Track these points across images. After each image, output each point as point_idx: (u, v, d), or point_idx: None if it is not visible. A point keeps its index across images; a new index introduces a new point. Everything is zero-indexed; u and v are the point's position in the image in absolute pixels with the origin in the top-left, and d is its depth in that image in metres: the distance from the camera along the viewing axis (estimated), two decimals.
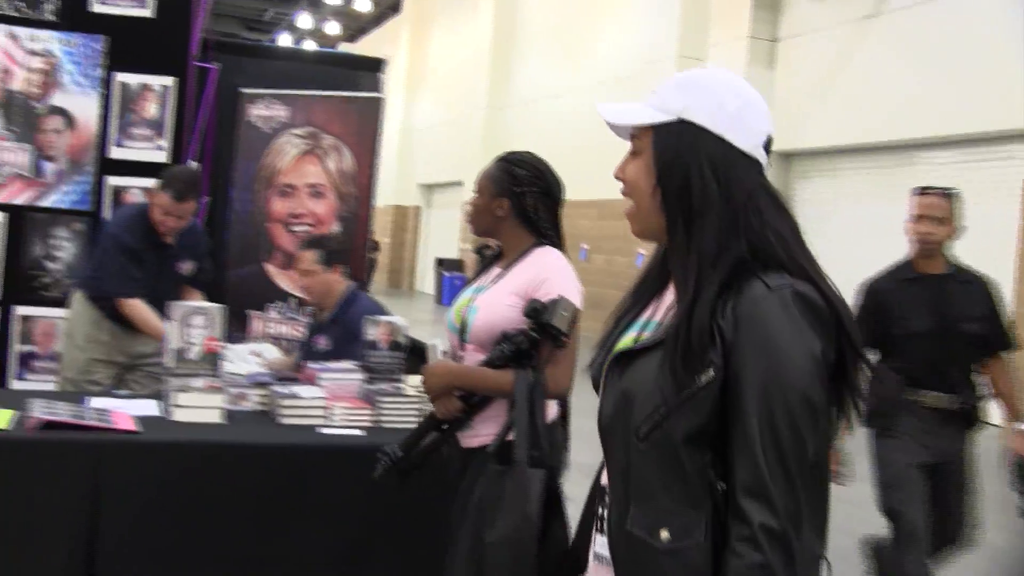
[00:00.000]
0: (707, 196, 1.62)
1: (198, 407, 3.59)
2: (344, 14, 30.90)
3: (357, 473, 3.24)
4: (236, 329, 5.89)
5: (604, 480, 1.75)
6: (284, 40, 32.28)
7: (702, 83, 1.69)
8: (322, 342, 4.47)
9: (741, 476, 1.53)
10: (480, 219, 3.18)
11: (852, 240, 13.20)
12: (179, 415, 3.59)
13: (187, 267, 5.12)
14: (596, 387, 1.76)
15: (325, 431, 3.66)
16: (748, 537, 1.51)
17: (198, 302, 4.11)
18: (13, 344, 5.94)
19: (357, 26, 33.72)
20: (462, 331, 3.07)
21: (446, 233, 26.25)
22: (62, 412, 3.36)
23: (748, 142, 1.65)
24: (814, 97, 14.10)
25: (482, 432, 2.95)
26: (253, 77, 6.41)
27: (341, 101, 6.10)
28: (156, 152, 6.01)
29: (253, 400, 3.93)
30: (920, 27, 12.38)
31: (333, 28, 31.61)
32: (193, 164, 6.16)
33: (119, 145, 6.03)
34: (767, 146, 1.68)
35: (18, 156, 5.91)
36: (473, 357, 3.02)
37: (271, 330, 6.00)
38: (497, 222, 3.14)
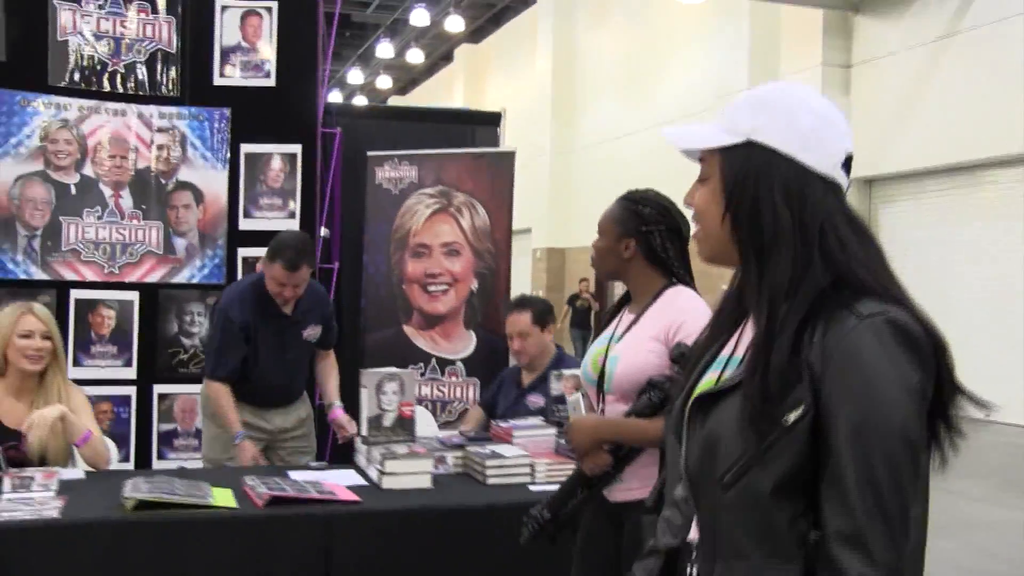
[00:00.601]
0: (779, 223, 1.55)
1: (408, 473, 3.66)
2: (395, 67, 31.34)
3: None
4: None
5: (692, 535, 1.68)
6: (334, 97, 32.70)
7: (773, 100, 1.61)
8: (537, 400, 4.55)
9: (834, 523, 1.43)
10: (605, 261, 3.15)
11: (938, 262, 13.21)
12: (389, 482, 3.66)
13: (312, 332, 5.03)
14: (676, 435, 1.68)
15: (535, 488, 3.72)
16: None
17: (388, 369, 4.16)
18: (155, 423, 6.07)
19: (409, 78, 34.17)
20: (601, 382, 3.04)
21: (516, 282, 26.29)
22: (285, 487, 3.45)
23: (824, 163, 1.57)
24: (892, 120, 14.15)
25: (633, 485, 2.91)
26: (370, 139, 6.55)
27: (471, 158, 6.21)
28: (287, 221, 6.15)
29: (450, 462, 4.00)
30: (998, 45, 12.46)
31: (384, 82, 32.05)
32: (324, 231, 6.30)
33: (248, 216, 6.18)
34: (847, 165, 1.60)
35: (149, 234, 6.08)
36: (614, 408, 3.00)
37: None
38: (623, 263, 3.10)
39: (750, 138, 1.58)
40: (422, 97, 33.01)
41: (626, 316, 3.13)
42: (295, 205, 6.18)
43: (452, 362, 6.10)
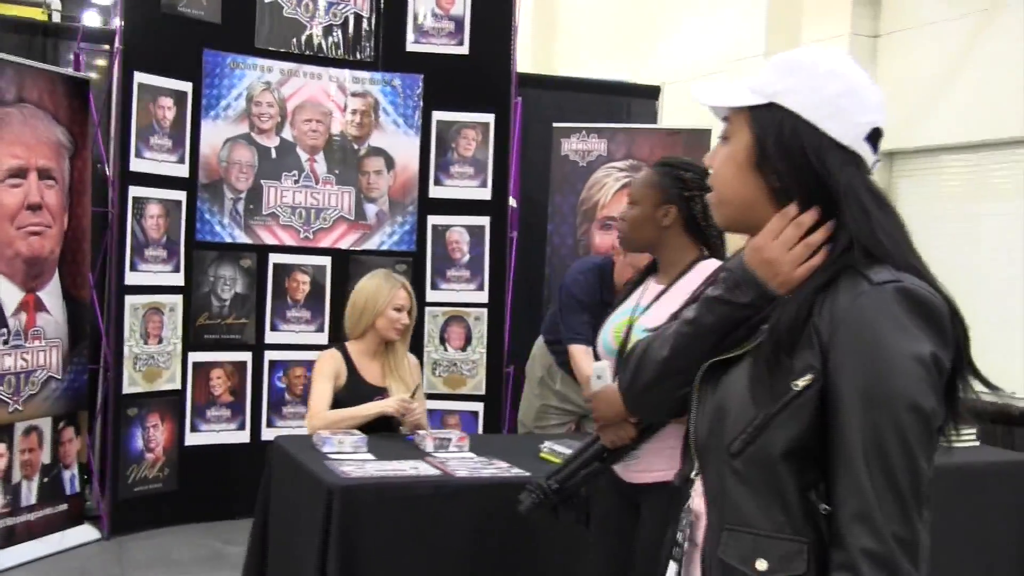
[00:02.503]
0: (800, 188, 1.60)
1: None
2: None
3: None
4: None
5: (694, 503, 1.73)
6: None
7: (802, 64, 1.65)
8: None
9: (843, 499, 1.46)
10: (639, 232, 3.10)
11: (958, 239, 13.88)
12: None
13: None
14: (686, 405, 1.74)
15: None
16: (844, 563, 1.45)
17: None
18: None
19: None
20: (623, 353, 2.94)
21: None
22: None
23: (846, 134, 1.60)
24: (922, 94, 14.68)
25: (655, 467, 2.88)
26: (531, 108, 6.96)
27: (665, 133, 6.70)
28: (477, 190, 6.59)
29: None
30: None
31: None
32: (512, 201, 6.73)
33: (439, 184, 6.60)
34: (874, 139, 1.62)
35: (342, 199, 6.47)
36: None
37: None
38: (660, 233, 3.04)
39: (774, 100, 1.63)
40: None
41: (652, 287, 3.11)
42: (488, 174, 6.60)
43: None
